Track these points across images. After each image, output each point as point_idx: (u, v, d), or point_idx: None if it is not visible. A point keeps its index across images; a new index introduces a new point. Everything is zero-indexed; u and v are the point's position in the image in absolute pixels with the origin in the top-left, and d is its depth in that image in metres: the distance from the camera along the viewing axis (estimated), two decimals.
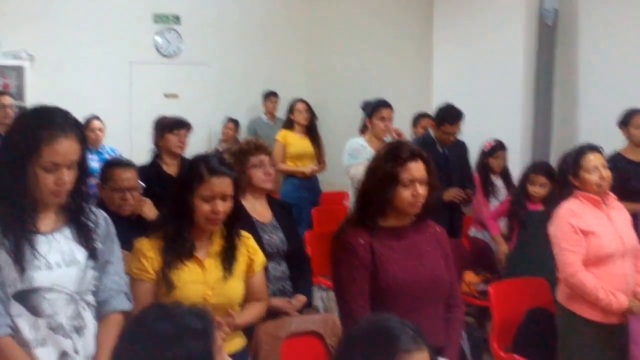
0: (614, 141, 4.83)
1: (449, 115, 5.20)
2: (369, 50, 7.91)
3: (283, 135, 6.40)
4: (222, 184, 2.59)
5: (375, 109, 5.04)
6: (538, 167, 4.73)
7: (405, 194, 2.53)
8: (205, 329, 1.61)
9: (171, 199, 2.67)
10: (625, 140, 4.88)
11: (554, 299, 3.75)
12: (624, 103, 5.04)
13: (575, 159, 3.52)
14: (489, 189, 5.34)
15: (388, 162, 2.56)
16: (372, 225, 2.58)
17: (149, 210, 3.52)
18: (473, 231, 5.42)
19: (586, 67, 5.97)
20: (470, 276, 4.87)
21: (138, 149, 4.91)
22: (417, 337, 1.78)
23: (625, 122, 4.90)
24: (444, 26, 6.71)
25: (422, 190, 2.55)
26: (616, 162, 4.45)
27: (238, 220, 2.72)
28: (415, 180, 2.53)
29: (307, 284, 3.67)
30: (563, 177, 3.58)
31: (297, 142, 6.38)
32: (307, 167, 6.34)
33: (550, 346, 3.66)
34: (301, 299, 3.49)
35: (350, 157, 4.91)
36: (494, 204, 5.29)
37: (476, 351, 4.38)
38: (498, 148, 5.39)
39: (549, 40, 6.03)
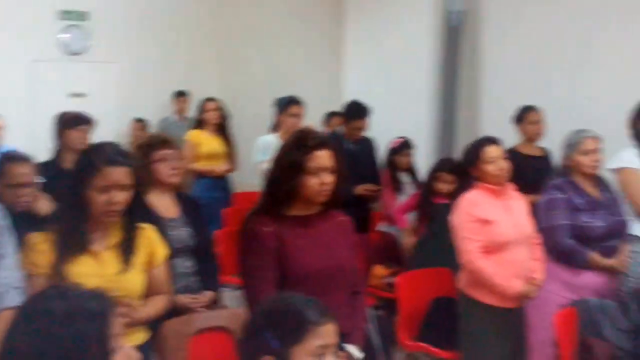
0: (515, 136, 5.02)
1: (357, 111, 5.28)
2: (280, 48, 7.89)
3: (193, 135, 6.30)
4: (118, 173, 2.49)
5: (286, 105, 5.05)
6: (443, 165, 4.84)
7: (312, 182, 2.53)
8: (103, 311, 1.57)
9: (66, 192, 2.58)
10: (521, 137, 5.07)
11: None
12: (525, 100, 5.22)
13: (475, 151, 3.62)
14: (396, 185, 5.43)
15: (295, 151, 2.55)
16: (278, 213, 2.57)
17: (44, 206, 3.39)
18: (382, 226, 5.49)
19: (489, 67, 6.15)
20: (379, 270, 4.93)
21: (41, 149, 4.71)
22: (321, 309, 1.80)
23: (519, 118, 5.11)
24: (355, 24, 6.80)
25: (328, 178, 2.54)
26: (512, 157, 4.59)
27: (138, 210, 2.64)
28: (322, 169, 2.53)
29: (214, 280, 3.62)
30: (465, 167, 3.66)
31: (208, 141, 6.28)
32: (219, 166, 6.28)
33: (454, 332, 3.73)
34: (208, 294, 3.44)
35: (261, 153, 4.89)
36: (402, 200, 5.37)
37: (386, 343, 4.46)
38: (405, 146, 5.48)
39: (454, 41, 6.19)
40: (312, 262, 2.55)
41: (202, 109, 6.41)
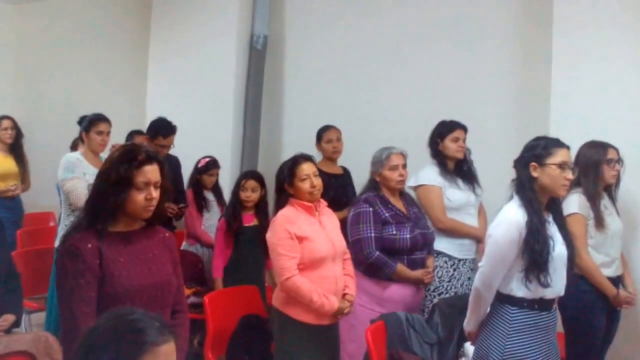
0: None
1: (163, 128, 5.08)
2: (81, 65, 7.44)
3: None
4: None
5: (92, 123, 4.70)
6: (248, 174, 4.72)
7: (139, 197, 2.43)
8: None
9: None
10: (321, 155, 5.10)
11: (265, 304, 3.68)
12: (326, 120, 5.29)
13: (290, 168, 3.54)
14: (202, 204, 5.28)
15: (123, 165, 2.42)
16: (101, 229, 2.43)
17: None
18: (185, 245, 5.28)
19: (290, 88, 6.21)
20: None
21: None
22: (162, 328, 1.68)
23: (318, 137, 5.16)
24: (160, 44, 6.60)
25: (155, 193, 2.46)
26: None
27: None
28: (150, 183, 2.44)
29: (17, 302, 3.42)
30: (280, 185, 3.57)
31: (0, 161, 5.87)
32: (10, 185, 5.85)
33: (263, 350, 3.64)
34: (8, 318, 3.25)
35: (66, 170, 4.50)
36: (207, 217, 5.26)
37: None
38: (212, 165, 5.33)
39: (258, 63, 6.20)
40: (133, 280, 2.43)
41: None
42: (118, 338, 1.63)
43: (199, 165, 5.32)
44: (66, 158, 4.75)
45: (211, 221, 5.27)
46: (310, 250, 3.39)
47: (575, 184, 3.75)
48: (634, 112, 4.11)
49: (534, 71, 4.83)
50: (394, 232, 3.84)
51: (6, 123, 5.98)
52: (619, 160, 3.79)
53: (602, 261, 3.73)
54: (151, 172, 2.44)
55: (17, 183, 5.93)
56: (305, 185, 3.49)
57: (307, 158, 3.60)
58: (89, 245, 2.37)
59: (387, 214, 3.87)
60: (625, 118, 4.12)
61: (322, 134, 5.16)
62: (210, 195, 5.36)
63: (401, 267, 3.82)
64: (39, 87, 7.90)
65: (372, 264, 3.81)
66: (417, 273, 3.87)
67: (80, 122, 4.98)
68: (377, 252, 3.79)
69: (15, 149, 6.01)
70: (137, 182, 2.41)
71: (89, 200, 2.51)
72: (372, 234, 3.81)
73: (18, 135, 6.04)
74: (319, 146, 5.15)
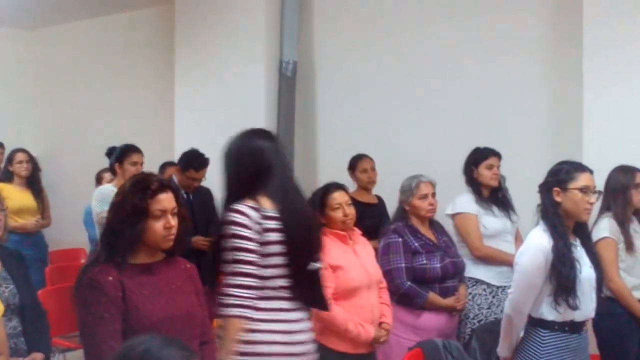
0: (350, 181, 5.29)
1: (195, 161, 5.34)
2: (104, 95, 7.77)
3: (1, 188, 6.12)
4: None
5: (125, 154, 5.05)
6: None
7: (157, 226, 2.53)
8: None
9: None
10: (355, 184, 5.37)
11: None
12: (359, 148, 5.58)
13: (321, 197, 3.79)
14: None
15: (136, 195, 2.53)
16: (121, 261, 2.52)
17: None
18: None
19: (321, 115, 6.45)
20: (219, 322, 4.98)
21: None
22: (185, 353, 1.76)
23: (352, 166, 5.44)
24: (185, 71, 6.78)
25: (173, 221, 2.56)
26: None
27: None
28: (167, 211, 2.55)
29: (44, 340, 3.53)
30: None
31: (15, 195, 6.07)
32: (29, 222, 6.11)
33: None
34: (37, 357, 3.36)
35: (103, 202, 4.83)
36: None
37: None
38: None
39: (289, 90, 6.37)
40: (158, 312, 2.53)
41: (11, 160, 6.25)
42: None
43: None
44: (100, 190, 5.04)
45: None
46: (344, 279, 3.60)
47: (605, 208, 4.03)
48: None
49: (565, 93, 5.04)
50: (425, 261, 4.11)
51: (21, 156, 6.23)
52: None
53: (634, 284, 3.97)
54: (166, 200, 2.54)
55: (37, 218, 6.13)
56: (338, 215, 3.73)
57: (339, 187, 3.84)
58: (110, 278, 2.45)
59: (416, 244, 4.13)
60: None
61: (356, 163, 5.41)
62: None
63: (433, 296, 4.09)
64: (63, 121, 8.21)
65: (404, 294, 4.06)
66: (449, 301, 4.14)
67: (109, 154, 5.30)
68: (409, 283, 4.06)
69: (32, 183, 6.23)
70: (153, 210, 2.50)
71: (105, 234, 2.60)
72: (403, 265, 4.07)
73: (35, 168, 6.26)
74: (354, 175, 5.41)
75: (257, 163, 2.96)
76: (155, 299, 2.54)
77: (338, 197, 3.78)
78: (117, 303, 2.46)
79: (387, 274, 4.05)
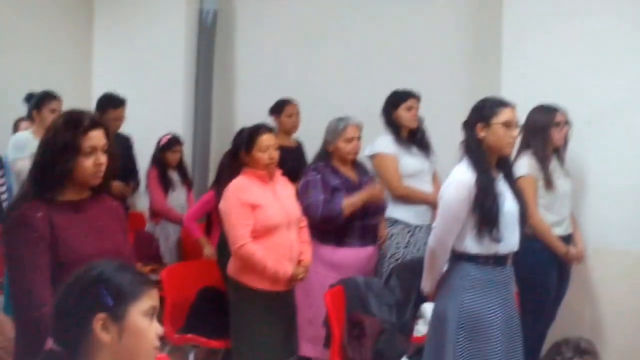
0: None
1: (111, 100, 5.00)
2: (20, 45, 7.22)
3: None
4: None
5: (43, 100, 4.64)
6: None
7: (87, 163, 2.37)
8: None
9: None
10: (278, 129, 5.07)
11: (223, 275, 3.73)
12: (276, 94, 5.29)
13: (250, 137, 3.54)
14: (166, 183, 5.24)
15: (68, 131, 2.37)
16: (50, 198, 2.37)
17: None
18: (149, 225, 5.29)
19: (242, 63, 6.21)
20: (138, 267, 4.65)
21: None
22: (140, 277, 1.69)
23: (276, 110, 5.14)
24: (105, 24, 6.51)
25: (103, 158, 2.41)
26: None
27: None
28: (97, 149, 2.39)
29: None
30: (235, 150, 3.58)
31: None
32: None
33: (221, 320, 3.65)
34: None
35: (17, 150, 4.48)
36: (171, 197, 5.22)
37: None
38: (174, 142, 5.28)
39: (208, 39, 6.15)
40: (87, 248, 2.37)
41: None
42: (114, 278, 1.63)
43: (161, 143, 5.24)
44: (16, 137, 4.70)
45: (176, 201, 5.25)
46: (263, 218, 3.41)
47: (525, 146, 3.88)
48: (581, 73, 4.19)
49: (484, 33, 4.87)
50: (344, 199, 3.90)
51: None
52: (567, 123, 3.90)
53: (553, 220, 3.85)
54: (97, 137, 2.40)
55: None
56: (264, 157, 3.50)
57: (269, 129, 3.62)
58: (39, 214, 2.32)
59: (336, 181, 3.93)
60: (573, 80, 4.20)
61: (282, 107, 5.12)
62: (174, 175, 5.31)
63: (346, 200, 3.88)
64: None
65: (322, 220, 3.84)
66: (363, 195, 3.92)
67: (27, 100, 4.91)
68: (321, 198, 3.85)
69: None
70: (84, 147, 2.37)
71: (33, 170, 2.46)
72: (322, 197, 3.86)
73: None
74: (278, 119, 5.12)
75: None
76: (84, 235, 2.41)
77: (267, 139, 3.55)
78: (45, 238, 2.33)
79: (307, 208, 3.83)
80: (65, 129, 2.39)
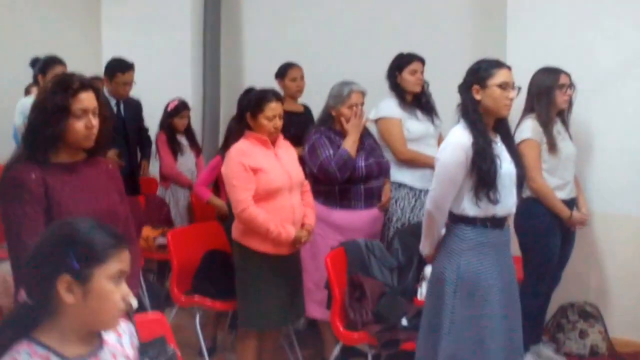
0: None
1: (119, 65, 4.97)
2: (29, 5, 7.26)
3: None
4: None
5: (49, 65, 4.61)
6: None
7: (78, 125, 2.40)
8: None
9: None
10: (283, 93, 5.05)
11: (228, 238, 3.76)
12: (283, 58, 5.22)
13: (258, 102, 3.50)
14: (175, 148, 5.28)
15: (58, 94, 2.39)
16: (43, 160, 2.39)
17: None
18: (160, 190, 5.34)
19: (249, 27, 6.21)
20: (147, 231, 4.71)
21: None
22: (114, 240, 1.65)
23: (281, 74, 5.06)
24: None
25: (94, 121, 2.43)
26: None
27: None
28: (88, 111, 2.41)
29: None
30: (241, 112, 3.56)
31: None
32: None
33: (227, 283, 3.67)
34: None
35: (23, 115, 4.48)
36: (180, 162, 5.27)
37: (156, 305, 4.26)
38: (182, 107, 5.29)
39: (215, 3, 6.15)
40: (81, 209, 2.40)
41: None
42: (81, 239, 1.61)
43: (169, 109, 5.26)
44: (21, 102, 4.73)
45: (185, 166, 5.30)
46: (265, 181, 3.40)
47: (528, 110, 3.85)
48: (587, 36, 4.15)
49: None
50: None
51: None
52: (571, 86, 3.85)
53: (556, 184, 3.82)
54: (88, 99, 2.41)
55: None
56: (269, 124, 3.47)
57: (279, 97, 3.57)
58: (33, 176, 2.35)
59: (340, 143, 3.91)
60: (579, 43, 4.16)
61: (286, 71, 5.04)
62: (182, 139, 5.34)
63: (344, 143, 3.89)
64: None
65: (339, 169, 3.83)
66: (350, 131, 3.92)
67: (32, 65, 4.92)
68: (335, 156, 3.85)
69: None
70: (74, 109, 2.38)
71: (26, 133, 2.47)
72: (330, 151, 3.87)
73: None
74: (282, 83, 5.05)
75: None
76: (78, 195, 2.44)
77: (275, 107, 3.51)
78: (39, 199, 2.37)
79: (320, 167, 3.86)
80: (55, 92, 2.41)
